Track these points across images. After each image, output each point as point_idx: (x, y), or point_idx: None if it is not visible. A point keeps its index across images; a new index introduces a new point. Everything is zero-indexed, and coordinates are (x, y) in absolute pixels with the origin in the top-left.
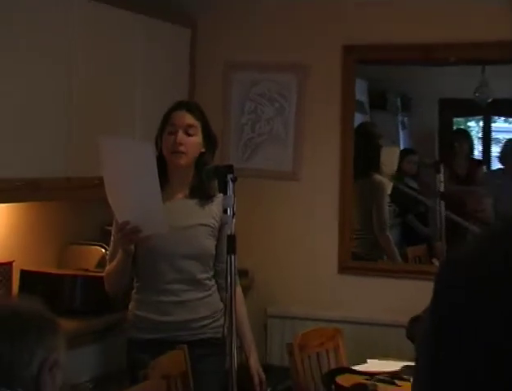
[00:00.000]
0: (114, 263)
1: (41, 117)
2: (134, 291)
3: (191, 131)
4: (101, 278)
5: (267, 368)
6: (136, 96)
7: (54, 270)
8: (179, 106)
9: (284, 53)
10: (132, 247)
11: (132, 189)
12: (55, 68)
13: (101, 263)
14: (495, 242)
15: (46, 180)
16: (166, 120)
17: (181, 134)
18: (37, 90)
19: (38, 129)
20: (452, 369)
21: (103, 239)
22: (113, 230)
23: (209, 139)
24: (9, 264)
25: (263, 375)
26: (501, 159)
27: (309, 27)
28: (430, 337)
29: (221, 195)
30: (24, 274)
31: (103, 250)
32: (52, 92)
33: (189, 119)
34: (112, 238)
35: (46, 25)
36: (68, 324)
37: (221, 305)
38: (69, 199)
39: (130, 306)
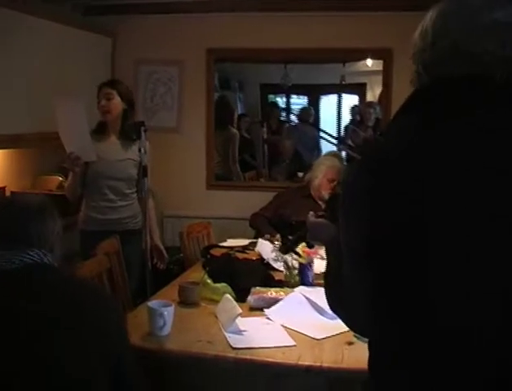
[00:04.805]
0: (69, 180)
1: (25, 100)
2: (84, 200)
3: (110, 97)
4: (59, 195)
5: (165, 248)
6: (79, 82)
7: (30, 191)
8: (103, 84)
9: (171, 53)
10: (77, 169)
11: (73, 132)
12: (35, 68)
13: (59, 186)
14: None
15: (24, 135)
16: (98, 94)
17: (103, 100)
18: (27, 82)
19: (24, 106)
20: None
21: (60, 171)
22: (67, 162)
23: (127, 100)
24: (3, 188)
25: (163, 249)
26: (298, 117)
27: (186, 37)
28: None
29: (138, 141)
30: (12, 193)
31: (60, 178)
32: (31, 85)
33: (107, 89)
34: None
35: (25, 46)
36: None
37: (139, 209)
38: (40, 148)
39: (81, 208)
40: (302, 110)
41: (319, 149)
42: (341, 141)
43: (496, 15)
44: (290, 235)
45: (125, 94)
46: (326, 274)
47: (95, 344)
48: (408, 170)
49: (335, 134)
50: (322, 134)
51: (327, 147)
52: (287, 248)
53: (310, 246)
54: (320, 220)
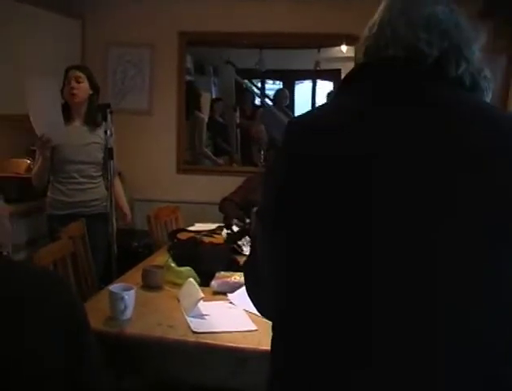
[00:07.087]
0: (38, 165)
1: None
2: (50, 184)
3: (79, 80)
4: (27, 178)
5: (135, 231)
6: (48, 65)
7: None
8: (71, 67)
9: (142, 36)
10: (48, 153)
11: (45, 112)
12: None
13: (27, 169)
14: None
15: None
16: (65, 76)
17: (73, 82)
18: None
19: None
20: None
21: (28, 155)
22: (37, 145)
23: (94, 86)
24: None
25: (128, 211)
26: (273, 100)
27: (158, 19)
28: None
29: (104, 123)
30: None
31: (28, 162)
32: None
33: (77, 73)
34: (37, 151)
35: None
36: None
37: (105, 192)
38: (8, 130)
39: (48, 193)
40: (278, 92)
41: None
42: None
43: (435, 10)
44: None
45: (93, 79)
46: (246, 261)
47: (57, 327)
48: (338, 142)
49: None
50: None
51: None
52: (231, 239)
53: None
54: None
